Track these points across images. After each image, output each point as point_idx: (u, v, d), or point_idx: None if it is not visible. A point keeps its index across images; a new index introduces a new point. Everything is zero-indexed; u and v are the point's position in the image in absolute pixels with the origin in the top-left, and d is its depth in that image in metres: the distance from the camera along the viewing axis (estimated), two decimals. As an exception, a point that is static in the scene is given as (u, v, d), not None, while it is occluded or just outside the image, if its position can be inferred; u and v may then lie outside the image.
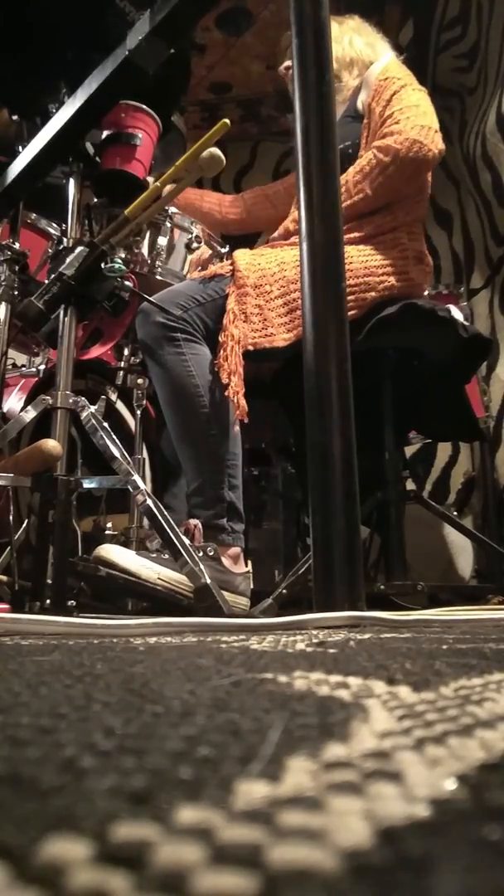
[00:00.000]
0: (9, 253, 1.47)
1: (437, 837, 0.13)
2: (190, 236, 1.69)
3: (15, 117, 1.60)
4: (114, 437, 1.23)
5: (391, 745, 0.19)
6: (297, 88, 1.05)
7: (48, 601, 1.12)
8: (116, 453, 1.20)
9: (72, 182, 1.44)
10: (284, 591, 1.25)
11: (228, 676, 0.33)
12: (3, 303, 1.46)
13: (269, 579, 1.87)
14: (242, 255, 1.48)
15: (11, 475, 1.19)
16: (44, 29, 1.38)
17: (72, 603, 1.15)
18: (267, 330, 1.41)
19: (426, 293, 1.70)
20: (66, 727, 0.21)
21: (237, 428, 1.38)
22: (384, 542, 1.72)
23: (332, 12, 1.18)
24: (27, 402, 1.55)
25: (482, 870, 0.11)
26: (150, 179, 1.53)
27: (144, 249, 1.63)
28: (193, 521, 1.28)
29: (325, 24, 1.07)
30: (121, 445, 1.22)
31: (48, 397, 1.27)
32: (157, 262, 1.63)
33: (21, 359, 1.98)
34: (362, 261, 1.51)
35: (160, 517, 1.12)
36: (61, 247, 1.41)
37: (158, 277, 1.62)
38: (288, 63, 1.81)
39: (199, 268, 1.69)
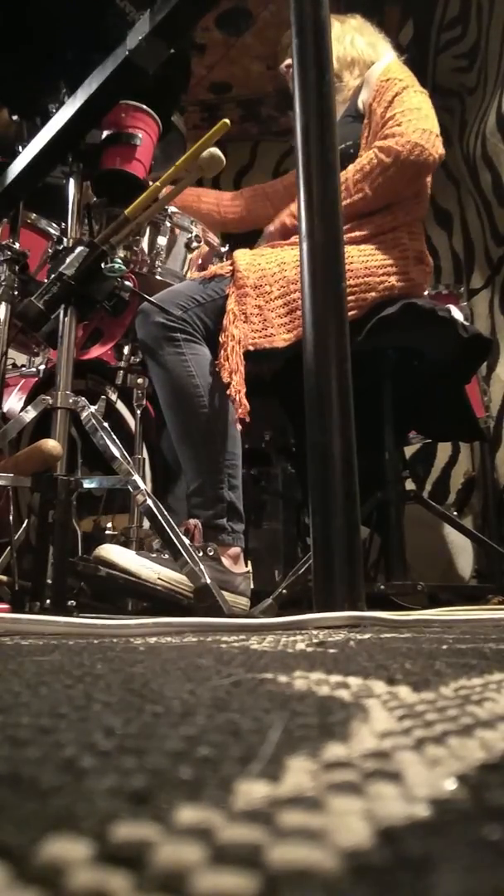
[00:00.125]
0: (9, 253, 1.47)
1: (437, 837, 0.13)
2: (190, 236, 1.69)
3: (15, 117, 1.60)
4: (114, 437, 1.23)
5: (391, 745, 0.19)
6: (297, 88, 1.05)
7: (48, 601, 1.12)
8: (116, 453, 1.20)
9: (72, 182, 1.44)
10: (284, 591, 1.25)
11: (228, 676, 0.33)
12: (3, 303, 1.46)
13: (269, 579, 1.87)
14: (242, 256, 1.48)
15: (11, 475, 1.19)
16: (44, 29, 1.38)
17: (72, 603, 1.15)
18: (267, 330, 1.41)
19: (426, 293, 1.70)
20: (66, 727, 0.21)
21: (237, 428, 1.38)
22: (384, 542, 1.72)
23: (333, 12, 1.18)
24: (27, 402, 1.55)
25: (482, 870, 0.11)
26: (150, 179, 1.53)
27: (144, 249, 1.63)
28: (193, 521, 1.28)
29: (325, 24, 1.07)
30: (121, 445, 1.22)
31: (48, 397, 1.27)
32: (157, 262, 1.63)
33: (21, 359, 1.98)
34: (363, 261, 1.51)
35: (160, 517, 1.12)
36: (61, 247, 1.41)
37: (158, 277, 1.62)
38: (289, 61, 1.81)
39: (200, 260, 1.70)
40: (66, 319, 1.29)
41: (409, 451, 3.00)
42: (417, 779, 0.16)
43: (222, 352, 1.35)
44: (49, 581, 1.13)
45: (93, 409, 1.26)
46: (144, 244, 1.62)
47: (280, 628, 0.78)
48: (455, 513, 2.62)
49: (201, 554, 1.21)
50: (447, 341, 1.56)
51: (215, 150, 1.23)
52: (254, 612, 1.24)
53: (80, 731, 0.21)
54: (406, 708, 0.24)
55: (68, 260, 1.25)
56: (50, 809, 0.14)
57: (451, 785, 0.16)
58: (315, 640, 0.57)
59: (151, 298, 1.38)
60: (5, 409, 1.49)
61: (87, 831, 0.13)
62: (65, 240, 1.43)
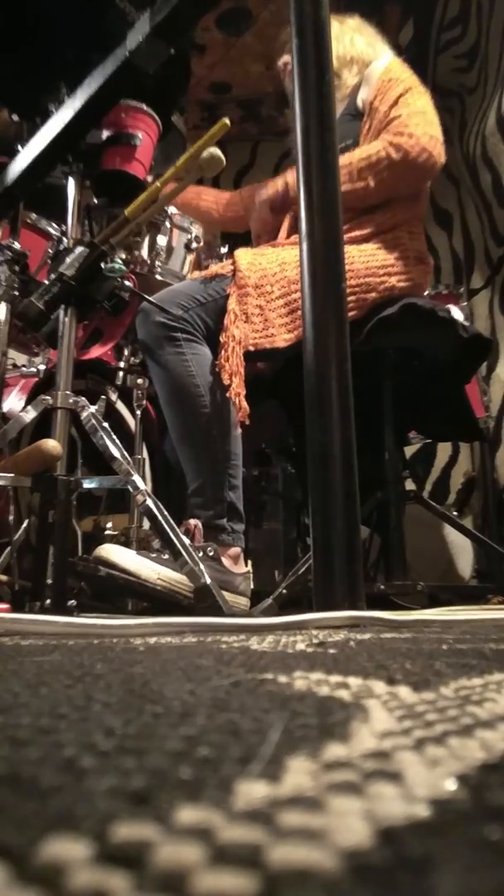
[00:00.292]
0: (9, 253, 1.47)
1: (437, 837, 0.13)
2: (189, 236, 1.69)
3: (15, 117, 1.60)
4: (114, 437, 1.23)
5: (391, 746, 0.19)
6: (297, 88, 1.05)
7: (48, 601, 1.12)
8: (116, 453, 1.20)
9: (72, 182, 1.44)
10: (284, 591, 1.25)
11: (228, 676, 0.33)
12: (3, 303, 1.46)
13: (269, 579, 1.87)
14: (243, 255, 1.48)
15: (11, 475, 1.19)
16: (44, 29, 1.38)
17: (72, 603, 1.15)
18: (268, 330, 1.40)
19: (426, 293, 1.70)
20: (66, 727, 0.21)
21: (238, 428, 1.38)
22: (384, 542, 1.72)
23: (332, 12, 1.18)
24: (27, 402, 1.55)
25: (482, 870, 0.11)
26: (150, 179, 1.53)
27: (144, 250, 1.63)
28: (193, 521, 1.28)
29: (325, 24, 1.07)
30: (121, 445, 1.22)
31: (48, 397, 1.27)
32: (157, 262, 1.63)
33: (21, 359, 1.98)
34: (364, 261, 1.51)
35: (160, 517, 1.12)
36: (61, 247, 1.41)
37: (158, 277, 1.62)
38: (286, 58, 1.81)
39: (202, 254, 1.70)
40: (66, 319, 1.29)
41: (409, 451, 3.00)
42: (417, 779, 0.16)
43: (223, 352, 1.35)
44: (49, 581, 1.13)
45: (93, 409, 1.26)
46: (145, 245, 1.62)
47: (280, 628, 0.78)
48: (455, 513, 2.62)
49: (201, 554, 1.21)
50: (447, 341, 1.56)
51: (215, 150, 1.23)
52: (254, 612, 1.24)
53: (80, 731, 0.21)
54: (406, 708, 0.24)
55: (68, 260, 1.25)
56: (50, 809, 0.14)
57: (451, 785, 0.16)
58: (315, 641, 0.57)
59: (151, 298, 1.38)
60: (5, 409, 1.49)
61: (87, 831, 0.13)
62: (65, 240, 1.43)
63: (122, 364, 1.69)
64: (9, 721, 0.22)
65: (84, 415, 1.25)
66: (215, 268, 1.50)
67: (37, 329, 1.27)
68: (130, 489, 1.18)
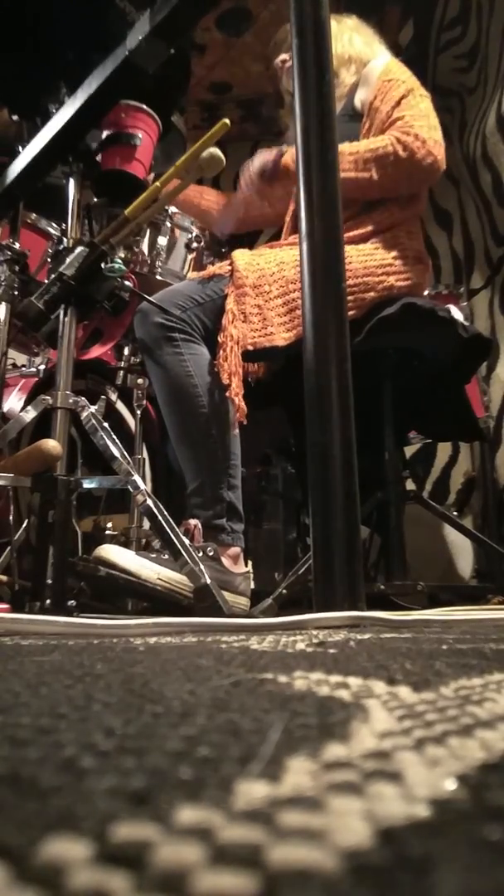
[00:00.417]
0: (9, 253, 1.47)
1: (437, 837, 0.13)
2: (190, 236, 1.69)
3: (15, 117, 1.60)
4: (114, 437, 1.23)
5: (391, 746, 0.19)
6: (297, 88, 1.05)
7: (48, 601, 1.12)
8: (116, 453, 1.20)
9: (72, 182, 1.44)
10: (284, 591, 1.25)
11: (228, 676, 0.33)
12: (3, 303, 1.46)
13: (269, 579, 1.87)
14: (241, 256, 1.48)
15: (11, 475, 1.19)
16: (44, 29, 1.38)
17: (72, 603, 1.15)
18: (267, 329, 1.40)
19: (426, 293, 1.70)
20: (66, 727, 0.21)
21: (236, 428, 1.38)
22: (384, 542, 1.72)
23: (332, 12, 1.18)
24: (27, 402, 1.55)
25: (482, 870, 0.11)
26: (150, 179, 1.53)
27: (144, 249, 1.63)
28: (193, 522, 1.28)
29: (325, 24, 1.07)
30: (121, 445, 1.22)
31: (48, 397, 1.27)
32: (157, 262, 1.63)
33: (21, 359, 1.98)
34: (362, 261, 1.51)
35: (160, 517, 1.12)
36: (61, 247, 1.41)
37: (158, 277, 1.62)
38: (284, 56, 1.81)
39: (204, 248, 1.69)
40: (66, 319, 1.29)
41: (409, 451, 3.00)
42: (417, 779, 0.16)
43: (221, 352, 1.35)
44: (49, 581, 1.13)
45: (93, 409, 1.26)
46: (145, 245, 1.62)
47: (280, 628, 0.78)
48: (455, 513, 2.62)
49: (201, 554, 1.21)
50: (447, 341, 1.56)
51: (215, 150, 1.23)
52: (254, 612, 1.24)
53: (80, 731, 0.21)
54: (406, 708, 0.24)
55: (68, 260, 1.25)
56: (50, 809, 0.14)
57: (451, 785, 0.16)
58: (315, 640, 0.57)
59: (151, 298, 1.38)
60: (5, 409, 1.49)
61: (87, 831, 0.13)
62: (65, 240, 1.43)
63: (122, 364, 1.69)
64: (9, 721, 0.22)
65: (84, 415, 1.25)
66: (213, 268, 1.50)
67: (37, 329, 1.27)
68: (130, 489, 1.18)
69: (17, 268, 1.48)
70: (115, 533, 1.62)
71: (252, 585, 1.37)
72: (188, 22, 1.27)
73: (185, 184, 1.31)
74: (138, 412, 1.67)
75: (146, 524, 1.51)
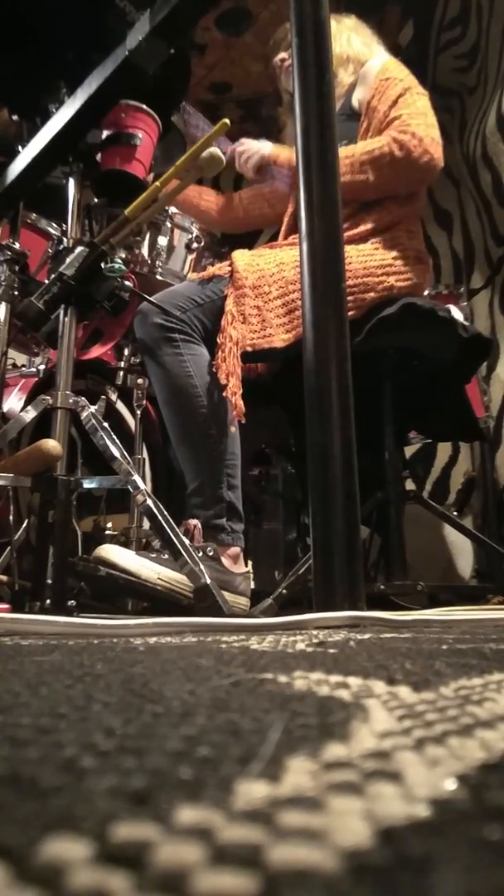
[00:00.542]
0: (9, 253, 1.47)
1: (437, 837, 0.13)
2: (190, 236, 1.69)
3: (15, 117, 1.60)
4: (114, 437, 1.23)
5: (391, 745, 0.19)
6: (297, 88, 1.05)
7: (48, 601, 1.12)
8: (116, 453, 1.20)
9: (72, 182, 1.44)
10: (284, 591, 1.25)
11: (228, 676, 0.33)
12: (3, 303, 1.46)
13: (269, 579, 1.87)
14: (241, 256, 1.48)
15: (11, 475, 1.19)
16: (44, 29, 1.38)
17: (72, 603, 1.15)
18: (266, 331, 1.40)
19: (426, 293, 1.70)
20: (66, 727, 0.21)
21: (235, 428, 1.38)
22: (384, 542, 1.72)
23: (332, 12, 1.18)
24: (27, 402, 1.55)
25: (482, 870, 0.11)
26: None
27: (144, 249, 1.63)
28: (193, 522, 1.28)
29: (325, 24, 1.07)
30: (121, 445, 1.22)
31: (48, 397, 1.27)
32: (157, 262, 1.63)
33: (21, 359, 1.98)
34: (361, 261, 1.51)
35: (160, 517, 1.12)
36: (61, 247, 1.41)
37: (158, 277, 1.62)
38: (282, 55, 1.81)
39: (204, 249, 1.69)
40: (66, 319, 1.29)
41: (409, 451, 3.00)
42: (417, 779, 0.16)
43: (219, 353, 1.35)
44: (49, 581, 1.13)
45: (93, 409, 1.26)
46: (145, 245, 1.62)
47: (280, 628, 0.78)
48: (455, 513, 2.62)
49: (201, 554, 1.21)
50: (447, 341, 1.56)
51: (215, 150, 1.23)
52: (254, 612, 1.24)
53: (80, 731, 0.21)
54: (406, 708, 0.24)
55: (68, 260, 1.25)
56: (50, 809, 0.14)
57: (451, 785, 0.16)
58: (315, 640, 0.57)
59: (151, 298, 1.38)
60: (5, 409, 1.49)
61: (87, 831, 0.13)
62: (65, 240, 1.43)
63: (122, 364, 1.69)
64: (9, 721, 0.22)
65: (84, 415, 1.25)
66: (213, 269, 1.50)
67: (37, 329, 1.27)
68: (130, 489, 1.18)
69: (17, 268, 1.48)
70: (115, 533, 1.62)
71: (252, 585, 1.37)
72: (188, 22, 1.27)
73: (185, 184, 1.31)
74: (138, 412, 1.67)
75: (146, 524, 1.51)
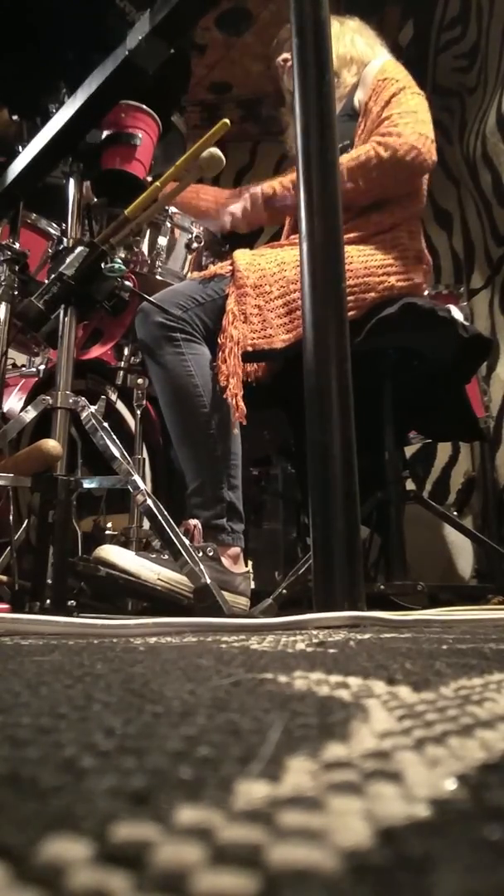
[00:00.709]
0: (9, 253, 1.47)
1: (437, 837, 0.13)
2: (190, 236, 1.69)
3: (15, 117, 1.60)
4: (114, 437, 1.23)
5: (391, 745, 0.19)
6: (297, 88, 1.05)
7: (48, 601, 1.12)
8: (116, 453, 1.20)
9: (72, 182, 1.44)
10: (284, 591, 1.25)
11: (228, 676, 0.33)
12: (3, 303, 1.46)
13: (269, 579, 1.87)
14: (242, 256, 1.48)
15: (11, 475, 1.19)
16: (44, 29, 1.38)
17: (72, 603, 1.15)
18: (266, 331, 1.40)
19: (426, 293, 1.69)
20: (66, 727, 0.21)
21: (236, 428, 1.38)
22: (384, 542, 1.72)
23: (332, 12, 1.18)
24: (27, 402, 1.55)
25: (482, 870, 0.11)
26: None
27: (144, 249, 1.63)
28: (193, 522, 1.28)
29: (325, 24, 1.07)
30: (121, 445, 1.22)
31: (48, 397, 1.27)
32: (157, 262, 1.63)
33: (21, 359, 1.98)
34: (362, 261, 1.51)
35: (160, 517, 1.12)
36: (61, 247, 1.41)
37: (158, 277, 1.62)
38: (285, 55, 1.81)
39: (204, 248, 1.69)
40: (66, 319, 1.29)
41: (409, 451, 3.00)
42: (417, 779, 0.16)
43: (220, 353, 1.35)
44: (49, 581, 1.13)
45: (93, 409, 1.26)
46: (145, 245, 1.62)
47: (280, 628, 0.78)
48: (455, 513, 2.62)
49: (201, 554, 1.21)
50: (447, 341, 1.56)
51: (215, 150, 1.23)
52: (254, 612, 1.24)
53: (80, 731, 0.21)
54: (406, 708, 0.24)
55: (68, 260, 1.25)
56: (50, 809, 0.14)
57: (451, 785, 0.16)
58: (315, 640, 0.57)
59: (151, 298, 1.38)
60: (5, 409, 1.49)
61: (87, 831, 0.13)
62: (65, 240, 1.43)
63: (122, 364, 1.69)
64: (9, 721, 0.22)
65: (84, 415, 1.25)
66: (214, 268, 1.50)
67: (37, 329, 1.27)
68: (130, 489, 1.18)
69: (17, 268, 1.48)
70: (115, 533, 1.62)
71: (252, 585, 1.37)
72: (188, 22, 1.27)
73: (185, 184, 1.31)
74: (138, 412, 1.67)
75: (146, 524, 1.51)
